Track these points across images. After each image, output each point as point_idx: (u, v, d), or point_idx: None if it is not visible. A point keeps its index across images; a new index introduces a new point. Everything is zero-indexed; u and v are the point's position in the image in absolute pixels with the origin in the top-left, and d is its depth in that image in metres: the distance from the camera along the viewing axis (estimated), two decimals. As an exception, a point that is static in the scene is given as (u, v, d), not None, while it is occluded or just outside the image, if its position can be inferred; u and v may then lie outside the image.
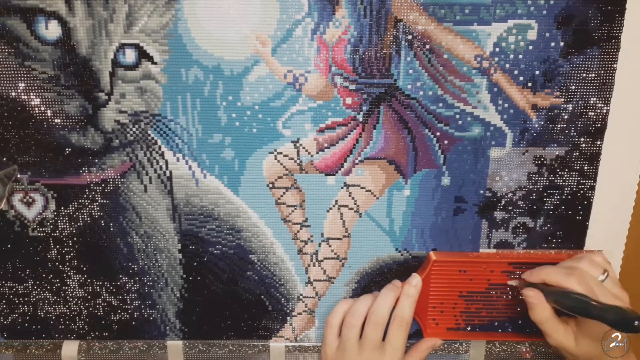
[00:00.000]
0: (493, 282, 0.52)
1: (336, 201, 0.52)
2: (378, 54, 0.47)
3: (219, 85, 0.48)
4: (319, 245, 0.53)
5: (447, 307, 0.53)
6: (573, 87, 0.48)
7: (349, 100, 0.49)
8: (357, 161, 0.50)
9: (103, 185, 0.50)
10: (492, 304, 0.53)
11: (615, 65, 0.48)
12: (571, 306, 0.44)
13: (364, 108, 0.49)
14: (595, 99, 0.49)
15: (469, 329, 0.54)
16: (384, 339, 0.50)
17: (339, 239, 0.53)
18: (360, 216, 0.52)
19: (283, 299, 0.54)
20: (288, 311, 0.55)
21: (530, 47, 0.47)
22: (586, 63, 0.48)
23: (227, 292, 0.54)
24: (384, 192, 0.51)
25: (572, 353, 0.48)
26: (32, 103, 0.48)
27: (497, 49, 0.47)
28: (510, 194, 0.51)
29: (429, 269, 0.52)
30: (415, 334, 0.55)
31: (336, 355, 0.50)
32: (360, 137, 0.50)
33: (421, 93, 0.48)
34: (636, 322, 0.39)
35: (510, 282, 0.52)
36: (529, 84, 0.48)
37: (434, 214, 0.52)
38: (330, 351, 0.51)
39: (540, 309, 0.47)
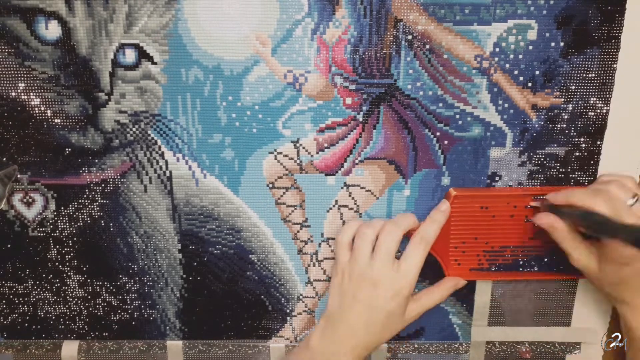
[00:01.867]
0: (517, 219, 0.50)
1: (336, 201, 0.52)
2: (378, 54, 0.47)
3: (219, 86, 0.48)
4: (319, 245, 0.53)
5: (469, 246, 0.51)
6: (573, 87, 0.48)
7: (349, 100, 0.49)
8: (357, 161, 0.50)
9: (103, 185, 0.50)
10: (516, 242, 0.51)
11: (615, 65, 0.48)
12: (593, 226, 0.43)
13: (364, 108, 0.49)
14: (595, 99, 0.49)
15: (493, 269, 0.52)
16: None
17: (339, 239, 0.53)
18: (360, 216, 0.52)
19: (283, 299, 0.54)
20: (288, 311, 0.55)
21: (530, 47, 0.47)
22: (586, 63, 0.48)
23: (227, 292, 0.54)
24: (384, 192, 0.51)
25: (596, 277, 0.47)
26: (32, 103, 0.48)
27: (497, 49, 0.47)
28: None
29: (450, 205, 0.50)
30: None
31: (346, 267, 0.48)
32: (360, 137, 0.50)
33: (421, 93, 0.48)
34: None
35: (532, 204, 0.49)
36: (529, 84, 0.48)
37: (434, 214, 0.52)
38: (340, 265, 0.49)
39: (556, 230, 0.46)
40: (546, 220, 0.46)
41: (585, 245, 0.46)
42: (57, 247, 0.52)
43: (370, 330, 0.48)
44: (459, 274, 0.52)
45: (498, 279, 0.54)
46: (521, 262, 0.52)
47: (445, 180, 0.51)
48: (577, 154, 0.50)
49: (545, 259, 0.52)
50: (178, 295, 0.54)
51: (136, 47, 0.46)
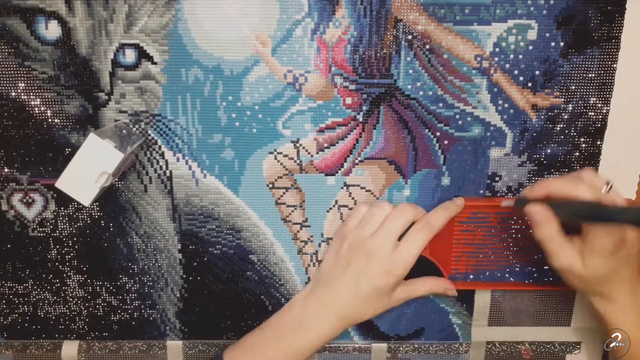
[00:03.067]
0: (522, 230, 0.50)
1: (336, 201, 0.52)
2: (378, 54, 0.47)
3: (219, 86, 0.48)
4: (319, 246, 0.53)
5: (470, 255, 0.51)
6: (573, 87, 0.48)
7: (349, 100, 0.49)
8: (357, 161, 0.50)
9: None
10: (519, 252, 0.51)
11: (615, 65, 0.48)
12: (585, 213, 0.41)
13: (364, 108, 0.49)
14: (595, 99, 0.49)
15: (493, 278, 0.52)
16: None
17: (339, 239, 0.53)
18: (360, 216, 0.52)
19: (283, 299, 0.54)
20: (288, 311, 0.55)
21: (530, 47, 0.47)
22: (586, 63, 0.48)
23: (227, 292, 0.54)
24: (384, 192, 0.51)
25: (579, 275, 0.44)
26: (32, 103, 0.48)
27: (497, 49, 0.47)
28: (510, 194, 0.51)
29: (455, 215, 0.50)
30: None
31: (353, 230, 0.48)
32: (360, 137, 0.50)
33: (421, 93, 0.48)
34: None
35: (504, 203, 0.48)
36: (529, 84, 0.48)
37: (434, 214, 0.52)
38: (348, 226, 0.49)
39: (546, 225, 0.43)
40: (539, 210, 0.43)
41: (570, 244, 0.44)
42: (57, 247, 0.52)
43: (354, 301, 0.48)
44: (458, 283, 0.52)
45: (498, 288, 0.54)
46: (523, 272, 0.52)
47: (445, 180, 0.51)
48: (577, 154, 0.50)
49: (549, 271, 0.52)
50: (178, 295, 0.54)
51: (136, 47, 0.46)
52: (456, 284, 0.52)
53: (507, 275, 0.52)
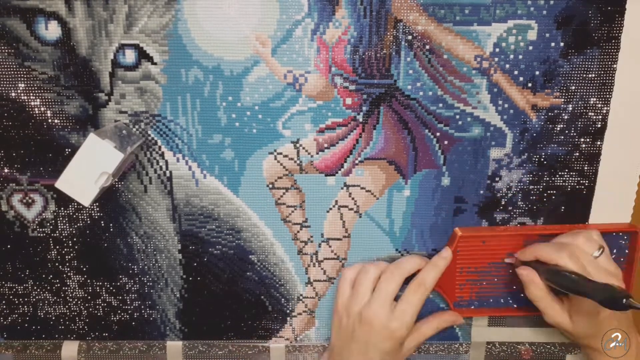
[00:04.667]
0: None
1: (336, 201, 0.52)
2: (378, 55, 0.47)
3: (218, 86, 0.48)
4: (319, 246, 0.53)
5: (472, 283, 0.52)
6: (573, 87, 0.48)
7: (349, 101, 0.49)
8: (357, 161, 0.50)
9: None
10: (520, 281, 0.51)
11: (615, 65, 0.48)
12: (562, 284, 0.44)
13: (364, 108, 0.49)
14: (595, 99, 0.49)
15: (497, 306, 0.54)
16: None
17: (339, 239, 0.53)
18: (360, 216, 0.52)
19: (283, 299, 0.54)
20: (288, 311, 0.55)
21: (530, 48, 0.47)
22: (586, 63, 0.48)
23: (227, 293, 0.54)
24: (384, 193, 0.51)
25: (569, 331, 0.48)
26: (32, 103, 0.48)
27: (497, 49, 0.47)
28: (510, 194, 0.51)
29: (455, 245, 0.51)
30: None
31: (346, 303, 0.50)
32: (360, 137, 0.50)
33: (421, 93, 0.48)
34: (624, 300, 0.39)
35: (506, 260, 0.51)
36: (529, 84, 0.48)
37: (434, 214, 0.52)
38: (341, 300, 0.50)
39: (534, 287, 0.47)
40: (526, 273, 0.48)
41: (559, 303, 0.48)
42: (57, 247, 0.52)
43: None
44: (461, 310, 0.53)
45: (502, 314, 0.55)
46: (526, 298, 0.51)
47: (445, 181, 0.51)
48: (577, 154, 0.50)
49: None
50: (178, 295, 0.54)
51: (136, 47, 0.46)
52: (461, 312, 0.53)
53: (510, 301, 0.54)
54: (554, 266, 0.46)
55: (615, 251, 0.52)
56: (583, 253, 0.46)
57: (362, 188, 0.51)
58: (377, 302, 0.48)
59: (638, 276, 0.53)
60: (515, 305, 0.54)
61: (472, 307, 0.54)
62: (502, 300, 0.54)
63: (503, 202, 0.51)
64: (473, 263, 0.52)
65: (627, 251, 0.52)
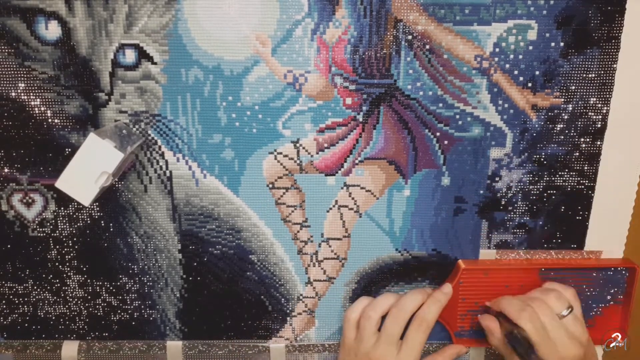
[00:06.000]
0: (525, 289, 0.52)
1: (336, 201, 0.51)
2: (378, 54, 0.47)
3: (218, 86, 0.48)
4: (319, 246, 0.53)
5: (474, 314, 0.53)
6: (573, 87, 0.48)
7: (349, 101, 0.49)
8: (357, 161, 0.50)
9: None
10: None
11: (615, 65, 0.48)
12: (513, 345, 0.47)
13: (364, 108, 0.49)
14: (595, 99, 0.49)
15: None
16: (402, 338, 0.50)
17: (339, 239, 0.53)
18: (360, 216, 0.52)
19: (283, 299, 0.54)
20: (288, 311, 0.55)
21: (530, 47, 0.47)
22: (586, 63, 0.48)
23: (227, 292, 0.54)
24: (384, 192, 0.51)
25: None
26: (32, 103, 0.48)
27: (497, 49, 0.47)
28: (510, 194, 0.51)
29: (459, 277, 0.52)
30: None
31: (353, 345, 0.51)
32: (360, 137, 0.50)
33: (421, 93, 0.48)
34: None
35: (487, 303, 0.52)
36: (529, 84, 0.48)
37: (434, 214, 0.52)
38: (347, 342, 0.51)
39: (493, 338, 0.50)
40: (486, 323, 0.50)
41: (513, 353, 0.48)
42: (57, 247, 0.52)
43: None
44: (464, 340, 0.54)
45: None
46: None
47: (445, 181, 0.51)
48: (577, 154, 0.50)
49: None
50: (178, 295, 0.54)
51: (136, 47, 0.46)
52: (462, 342, 0.54)
53: None
54: (513, 325, 0.47)
55: (612, 286, 0.53)
56: (548, 310, 0.47)
57: (362, 188, 0.51)
58: (383, 344, 0.49)
59: (634, 312, 0.53)
60: None
61: (474, 338, 0.54)
62: None
63: (503, 202, 0.51)
64: (475, 294, 0.53)
65: (624, 286, 0.53)
